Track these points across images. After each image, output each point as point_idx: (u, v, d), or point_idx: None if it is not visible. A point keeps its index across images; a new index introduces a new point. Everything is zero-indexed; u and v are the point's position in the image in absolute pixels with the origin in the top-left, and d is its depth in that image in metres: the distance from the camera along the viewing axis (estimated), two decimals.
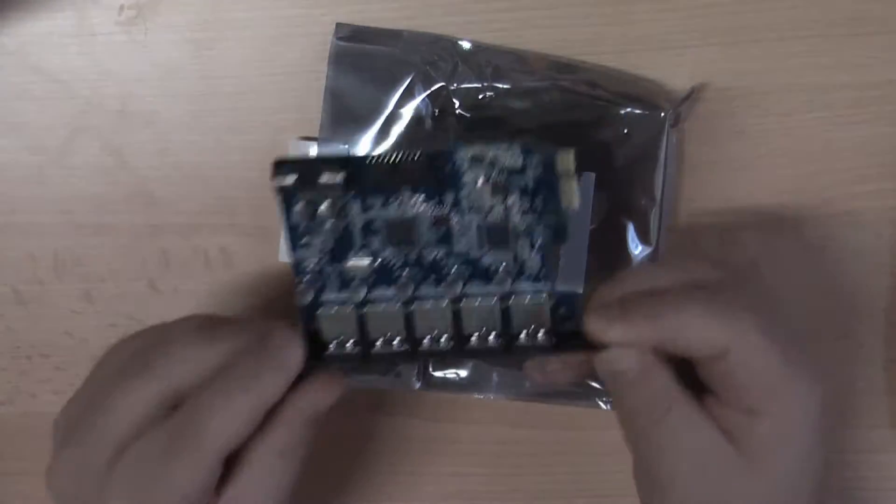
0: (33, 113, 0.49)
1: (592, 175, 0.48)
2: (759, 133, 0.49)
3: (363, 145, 0.48)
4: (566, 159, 0.39)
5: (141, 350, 0.39)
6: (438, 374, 0.50)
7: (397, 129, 0.48)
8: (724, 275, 0.40)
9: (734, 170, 0.49)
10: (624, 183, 0.49)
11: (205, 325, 0.40)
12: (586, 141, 0.48)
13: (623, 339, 0.39)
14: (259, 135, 0.49)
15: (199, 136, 0.49)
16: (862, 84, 0.49)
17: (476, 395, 0.50)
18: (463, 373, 0.50)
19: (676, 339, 0.38)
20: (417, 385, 0.50)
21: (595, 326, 0.39)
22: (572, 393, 0.50)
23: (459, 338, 0.40)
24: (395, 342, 0.40)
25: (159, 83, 0.49)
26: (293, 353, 0.39)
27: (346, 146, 0.48)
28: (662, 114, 0.48)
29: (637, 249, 0.49)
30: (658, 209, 0.49)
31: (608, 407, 0.50)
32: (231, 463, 0.39)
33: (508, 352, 0.40)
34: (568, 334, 0.40)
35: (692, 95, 0.48)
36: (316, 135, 0.49)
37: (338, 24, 0.48)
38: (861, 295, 0.50)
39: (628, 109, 0.48)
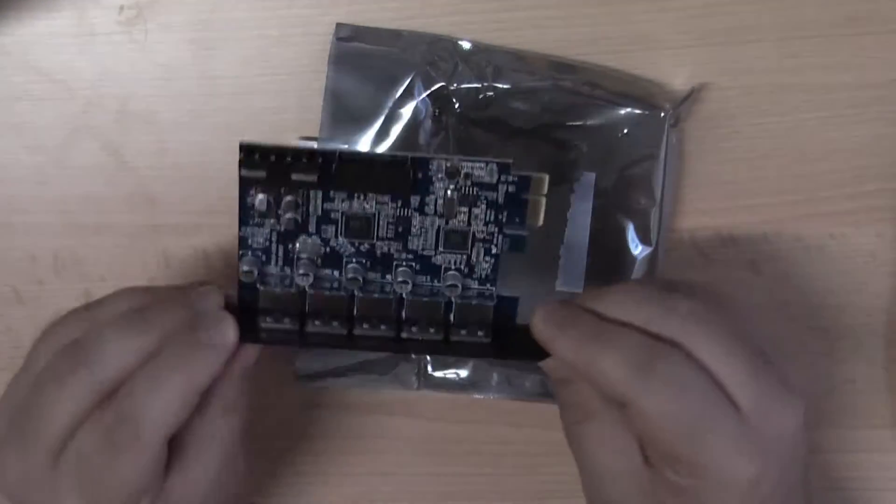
0: (33, 113, 0.49)
1: (592, 175, 0.48)
2: (759, 133, 0.49)
3: (363, 145, 0.48)
4: (540, 183, 0.40)
5: (72, 342, 0.39)
6: (438, 374, 0.50)
7: (397, 129, 0.48)
8: (693, 306, 0.39)
9: (734, 170, 0.49)
10: (624, 183, 0.49)
11: (134, 309, 0.39)
12: (586, 141, 0.48)
13: (548, 344, 0.40)
14: (259, 135, 0.49)
15: (199, 136, 0.49)
16: (862, 84, 0.49)
17: (476, 395, 0.50)
18: (463, 373, 0.50)
19: (588, 373, 0.39)
20: (417, 385, 0.50)
21: (535, 319, 0.40)
22: None
23: (399, 327, 0.41)
24: (333, 324, 0.41)
25: (159, 83, 0.49)
26: (226, 334, 0.39)
27: (346, 146, 0.48)
28: (662, 114, 0.48)
29: (637, 249, 0.49)
30: (658, 209, 0.49)
31: None
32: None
33: (447, 345, 0.41)
34: (505, 331, 0.41)
35: (692, 95, 0.48)
36: (316, 135, 0.49)
37: (338, 24, 0.48)
38: (861, 295, 0.50)
39: (628, 109, 0.48)
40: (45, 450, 0.38)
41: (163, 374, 0.37)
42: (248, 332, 0.40)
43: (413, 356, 0.50)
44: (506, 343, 0.41)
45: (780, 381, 0.39)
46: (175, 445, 0.39)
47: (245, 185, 0.39)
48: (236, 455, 0.41)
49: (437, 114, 0.48)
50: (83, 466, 0.38)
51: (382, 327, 0.41)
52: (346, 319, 0.41)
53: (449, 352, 0.41)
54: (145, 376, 0.38)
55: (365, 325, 0.41)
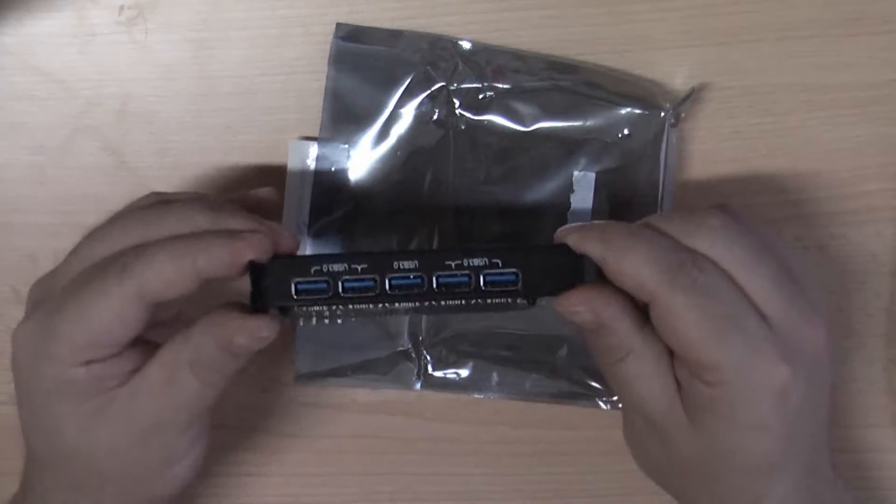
0: (33, 113, 0.49)
1: (592, 175, 0.48)
2: (759, 133, 0.49)
3: (363, 145, 0.48)
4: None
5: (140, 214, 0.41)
6: (438, 373, 0.50)
7: (397, 130, 0.48)
8: (724, 221, 0.40)
9: (734, 170, 0.49)
10: (624, 183, 0.49)
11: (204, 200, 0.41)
12: (586, 141, 0.48)
13: (575, 244, 0.40)
14: (259, 135, 0.49)
15: (199, 136, 0.49)
16: (862, 84, 0.49)
17: (476, 395, 0.51)
18: (463, 373, 0.50)
19: (616, 268, 0.39)
20: (417, 385, 0.50)
21: (563, 229, 0.40)
22: (572, 393, 0.50)
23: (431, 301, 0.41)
24: (365, 280, 0.40)
25: (159, 83, 0.49)
26: (255, 235, 0.39)
27: (346, 146, 0.48)
28: (662, 114, 0.48)
29: None
30: (658, 209, 0.49)
31: (608, 407, 0.50)
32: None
33: (477, 293, 0.41)
34: (530, 270, 0.40)
35: (692, 95, 0.48)
36: (316, 135, 0.49)
37: (338, 24, 0.48)
38: (861, 295, 0.50)
39: (628, 109, 0.48)
40: (65, 274, 0.40)
41: (168, 243, 0.38)
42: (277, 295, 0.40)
43: (413, 356, 0.50)
44: (532, 281, 0.41)
45: (804, 298, 0.40)
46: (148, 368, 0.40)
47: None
48: (185, 420, 0.40)
49: (437, 114, 0.48)
50: (72, 296, 0.39)
51: (414, 304, 0.41)
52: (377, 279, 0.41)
53: (480, 296, 0.40)
54: (159, 241, 0.39)
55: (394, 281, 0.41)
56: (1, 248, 0.50)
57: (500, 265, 0.40)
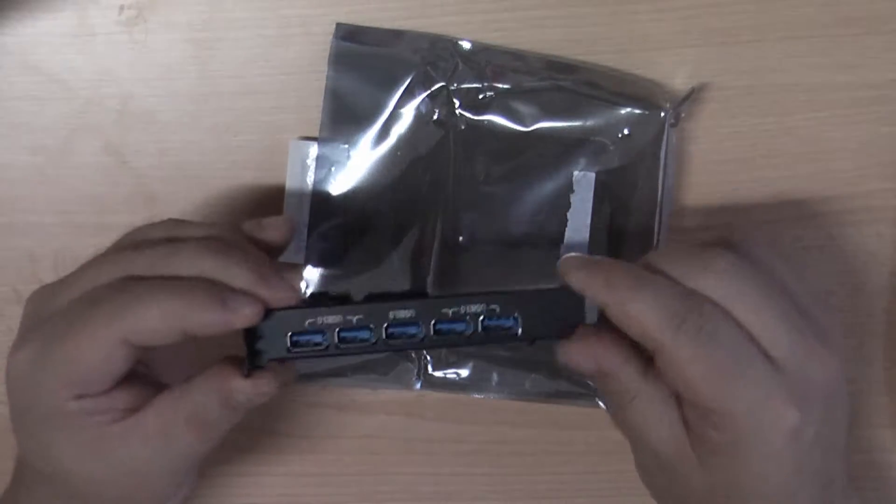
0: (33, 113, 0.49)
1: (592, 175, 0.48)
2: (759, 133, 0.49)
3: (363, 145, 0.48)
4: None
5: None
6: (438, 374, 0.50)
7: (397, 130, 0.48)
8: (729, 262, 0.39)
9: (734, 170, 0.49)
10: (624, 183, 0.49)
11: (221, 243, 0.40)
12: (587, 141, 0.48)
13: (577, 286, 0.39)
14: (259, 135, 0.49)
15: (199, 136, 0.49)
16: (862, 84, 0.49)
17: (476, 395, 0.50)
18: (463, 372, 0.50)
19: (620, 315, 0.38)
20: (418, 385, 0.50)
21: (565, 262, 0.40)
22: (572, 393, 0.50)
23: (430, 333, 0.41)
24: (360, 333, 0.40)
25: (159, 83, 0.49)
26: (242, 307, 0.38)
27: (346, 146, 0.48)
28: (662, 114, 0.48)
29: (637, 249, 0.49)
30: (658, 209, 0.49)
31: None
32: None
33: (477, 335, 0.41)
34: (530, 313, 0.40)
35: (692, 95, 0.48)
36: (316, 135, 0.49)
37: (338, 24, 0.48)
38: (861, 295, 0.50)
39: (628, 109, 0.48)
40: (65, 295, 0.40)
41: (162, 293, 0.38)
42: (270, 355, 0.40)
43: (413, 356, 0.50)
44: (531, 325, 0.41)
45: (815, 334, 0.39)
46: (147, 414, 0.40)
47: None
48: (177, 469, 0.41)
49: (437, 114, 0.48)
50: (62, 332, 0.39)
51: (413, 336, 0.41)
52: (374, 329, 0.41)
53: (479, 341, 0.40)
54: (153, 281, 0.38)
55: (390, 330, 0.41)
56: (1, 248, 0.50)
57: (499, 311, 0.40)
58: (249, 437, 0.51)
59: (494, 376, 0.50)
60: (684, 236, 0.50)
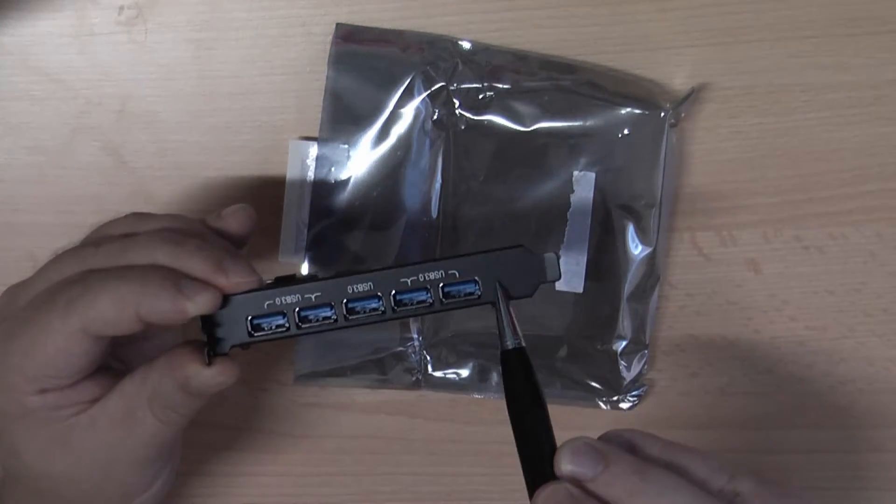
0: (33, 113, 0.49)
1: (592, 175, 0.48)
2: (759, 133, 0.49)
3: (363, 145, 0.48)
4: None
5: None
6: (438, 374, 0.50)
7: (397, 130, 0.48)
8: (758, 487, 0.37)
9: (734, 170, 0.49)
10: (624, 183, 0.49)
11: (176, 232, 0.40)
12: (586, 141, 0.48)
13: (565, 474, 0.38)
14: (259, 135, 0.49)
15: (199, 136, 0.49)
16: (862, 84, 0.49)
17: (476, 395, 0.50)
18: (463, 373, 0.50)
19: None
20: (417, 385, 0.50)
21: (562, 455, 0.38)
22: (572, 393, 0.50)
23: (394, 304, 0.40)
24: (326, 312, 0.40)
25: (159, 83, 0.49)
26: (202, 291, 0.38)
27: (346, 146, 0.48)
28: (662, 114, 0.48)
29: (637, 249, 0.49)
30: (658, 209, 0.49)
31: (608, 407, 0.50)
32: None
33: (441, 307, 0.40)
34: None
35: (692, 95, 0.48)
36: (316, 135, 0.49)
37: (338, 24, 0.48)
38: (861, 295, 0.50)
39: (628, 109, 0.48)
40: (29, 292, 0.40)
41: (113, 283, 0.37)
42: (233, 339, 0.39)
43: (413, 356, 0.50)
44: (492, 287, 0.40)
45: None
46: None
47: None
48: (144, 456, 0.40)
49: (437, 114, 0.48)
50: (21, 327, 0.38)
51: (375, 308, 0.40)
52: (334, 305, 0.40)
53: (443, 308, 0.40)
54: (104, 279, 0.38)
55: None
56: (1, 248, 0.50)
57: (458, 275, 0.39)
58: (249, 437, 0.51)
59: (494, 376, 0.50)
60: (684, 236, 0.50)
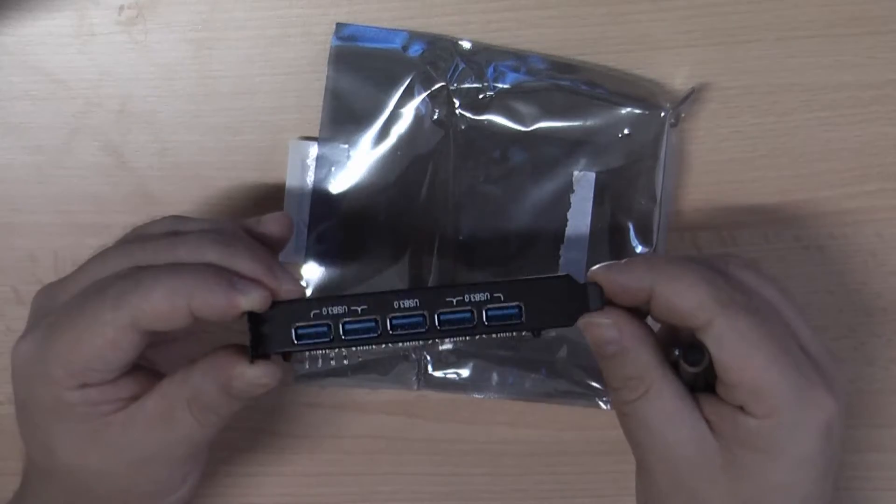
0: (33, 113, 0.49)
1: (592, 175, 0.49)
2: (759, 133, 0.49)
3: (363, 145, 0.48)
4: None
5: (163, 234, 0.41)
6: (438, 374, 0.50)
7: (397, 130, 0.48)
8: (743, 262, 0.40)
9: (734, 170, 0.50)
10: (624, 183, 0.49)
11: (224, 234, 0.40)
12: (586, 141, 0.48)
13: (615, 280, 0.39)
14: (259, 135, 0.49)
15: (199, 136, 0.49)
16: (862, 84, 0.49)
17: (476, 395, 0.51)
18: (463, 372, 0.50)
19: (667, 295, 0.38)
20: (417, 385, 0.50)
21: (596, 270, 0.39)
22: (572, 393, 0.50)
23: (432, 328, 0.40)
24: (366, 323, 0.40)
25: (159, 83, 0.49)
26: (256, 288, 0.38)
27: (346, 146, 0.48)
28: (662, 114, 0.48)
29: (637, 249, 0.49)
30: (658, 209, 0.49)
31: (608, 407, 0.50)
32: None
33: (481, 326, 0.40)
34: (532, 299, 0.40)
35: (692, 95, 0.48)
36: (316, 135, 0.49)
37: (338, 24, 0.48)
38: (861, 295, 0.50)
39: (628, 109, 0.48)
40: (70, 289, 0.40)
41: (167, 277, 0.38)
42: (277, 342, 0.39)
43: (413, 356, 0.50)
44: (535, 314, 0.40)
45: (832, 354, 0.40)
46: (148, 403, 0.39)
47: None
48: (179, 455, 0.41)
49: (437, 114, 0.48)
50: (69, 318, 0.38)
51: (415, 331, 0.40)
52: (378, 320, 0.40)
53: (483, 332, 0.40)
54: (157, 273, 0.38)
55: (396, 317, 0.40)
56: (1, 248, 0.50)
57: (503, 299, 0.39)
58: (249, 437, 0.51)
59: (494, 376, 0.50)
60: (684, 236, 0.50)
